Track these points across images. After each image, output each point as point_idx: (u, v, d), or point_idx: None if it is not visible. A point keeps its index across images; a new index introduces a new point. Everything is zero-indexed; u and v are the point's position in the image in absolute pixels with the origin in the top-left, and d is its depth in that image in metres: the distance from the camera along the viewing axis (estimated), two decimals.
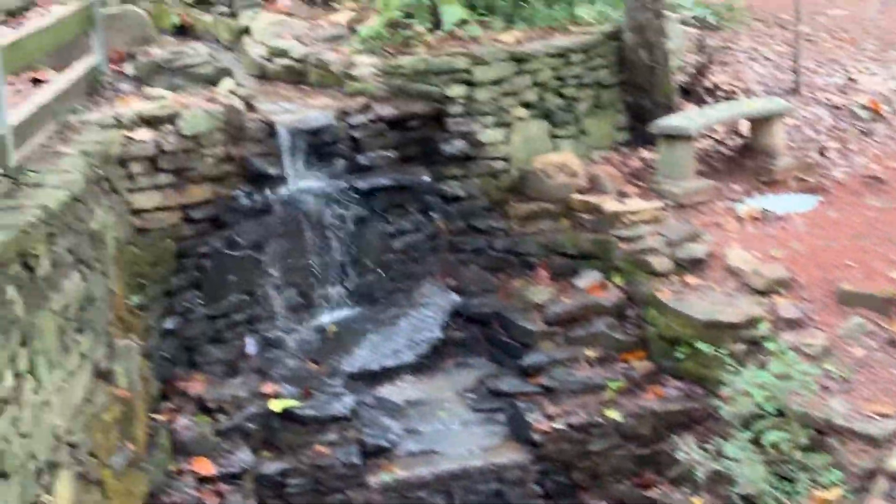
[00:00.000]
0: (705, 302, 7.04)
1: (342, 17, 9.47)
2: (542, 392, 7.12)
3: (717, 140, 9.22)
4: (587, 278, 7.79)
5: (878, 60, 10.89)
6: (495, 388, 7.30)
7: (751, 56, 10.61)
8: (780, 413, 5.85)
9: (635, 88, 9.09)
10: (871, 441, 5.66)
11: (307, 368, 7.36)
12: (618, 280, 7.66)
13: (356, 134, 7.97)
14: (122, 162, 6.83)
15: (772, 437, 5.79)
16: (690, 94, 9.55)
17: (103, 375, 5.72)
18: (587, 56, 8.87)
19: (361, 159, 7.98)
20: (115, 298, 6.25)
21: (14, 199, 4.98)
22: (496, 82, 8.33)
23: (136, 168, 6.93)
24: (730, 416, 6.02)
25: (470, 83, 8.24)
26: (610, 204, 7.99)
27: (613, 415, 6.77)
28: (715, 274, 7.37)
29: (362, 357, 7.54)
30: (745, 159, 8.88)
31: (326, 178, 7.83)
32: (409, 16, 8.95)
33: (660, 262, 7.48)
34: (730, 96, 9.57)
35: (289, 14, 9.77)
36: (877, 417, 5.77)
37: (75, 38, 7.60)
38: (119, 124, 6.96)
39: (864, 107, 9.66)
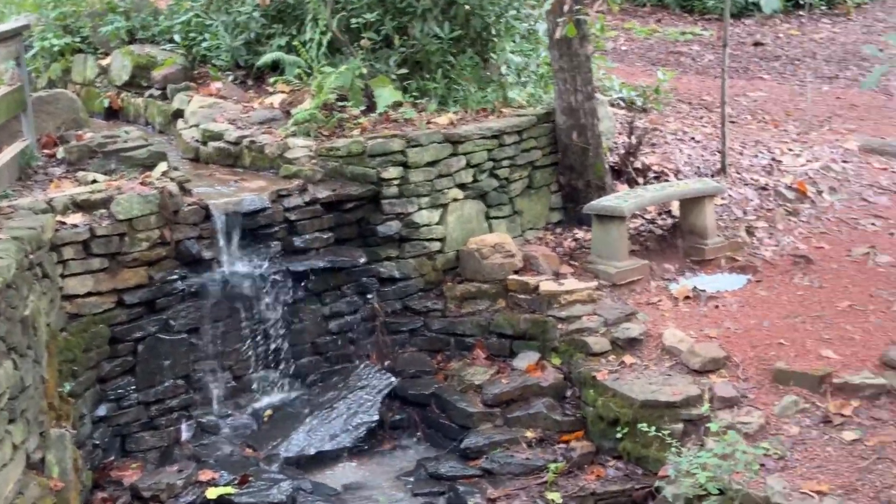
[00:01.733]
0: (643, 381, 7.08)
1: (276, 99, 9.48)
2: (483, 475, 7.06)
3: (648, 220, 9.35)
4: (525, 359, 7.80)
5: (801, 142, 11.17)
6: (435, 471, 7.22)
7: (678, 137, 10.82)
8: (722, 492, 5.87)
9: (568, 169, 9.22)
10: None
11: (244, 454, 7.25)
12: (556, 360, 7.68)
13: (292, 216, 7.95)
14: (55, 247, 6.73)
15: None
16: (622, 174, 9.70)
17: (35, 466, 5.59)
18: (520, 138, 9.00)
19: (297, 241, 7.95)
20: (46, 386, 6.12)
21: None
22: (431, 164, 8.39)
23: (68, 253, 6.83)
24: (672, 497, 6.02)
25: (405, 165, 8.29)
26: (546, 284, 8.05)
27: (554, 497, 6.72)
28: (651, 353, 7.42)
29: (299, 442, 7.44)
30: (676, 239, 9.00)
31: (262, 261, 7.76)
32: (343, 98, 9.00)
33: (597, 342, 7.53)
34: (660, 177, 9.74)
35: (221, 97, 9.76)
36: (813, 495, 5.81)
37: (5, 122, 7.51)
38: (51, 209, 6.87)
39: (789, 187, 9.87)
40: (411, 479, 7.28)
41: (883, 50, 3.85)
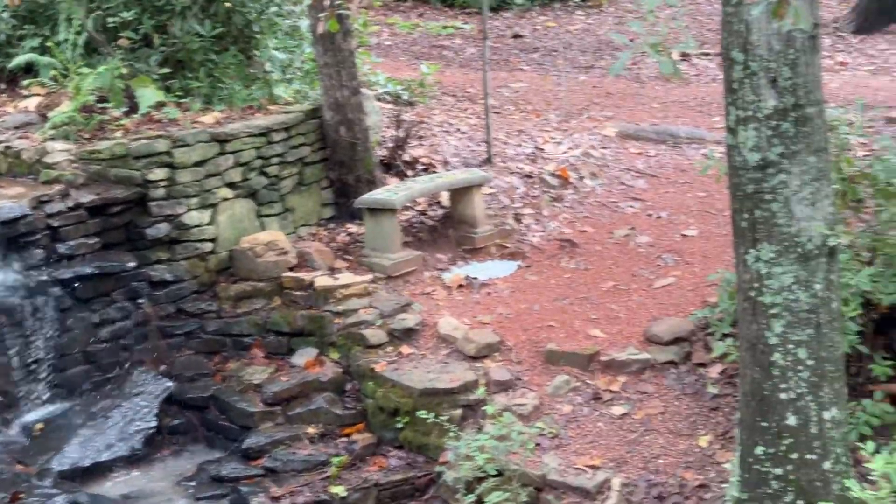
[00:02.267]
0: (421, 370, 7.20)
1: (31, 102, 9.12)
2: (266, 474, 7.02)
3: (420, 212, 9.49)
4: (303, 355, 7.80)
5: (562, 130, 11.55)
6: (217, 474, 7.14)
7: (445, 129, 11.02)
8: (500, 473, 6.04)
9: (338, 164, 9.26)
10: (585, 493, 5.93)
11: (14, 471, 6.94)
12: (334, 355, 7.71)
13: (54, 222, 7.66)
14: None
15: (493, 498, 5.95)
16: (391, 168, 9.80)
17: None
18: (289, 134, 8.96)
19: (61, 248, 7.67)
20: None
21: None
22: (199, 164, 8.25)
23: None
24: (453, 481, 6.15)
25: (171, 166, 8.12)
26: (321, 280, 8.06)
27: (338, 491, 6.76)
28: (428, 342, 7.55)
29: (73, 454, 7.20)
30: (447, 229, 9.18)
31: (24, 271, 7.47)
32: (103, 100, 8.75)
33: (374, 335, 7.60)
34: (429, 169, 9.89)
35: None
36: (587, 470, 6.06)
37: None
38: None
39: (553, 174, 10.20)
40: (193, 483, 7.17)
41: (634, 41, 4.05)
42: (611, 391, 6.78)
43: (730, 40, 4.56)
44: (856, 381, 6.12)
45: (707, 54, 14.99)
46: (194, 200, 8.23)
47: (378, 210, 8.51)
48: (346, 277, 8.12)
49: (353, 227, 9.09)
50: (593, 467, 6.09)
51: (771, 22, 4.37)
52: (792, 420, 4.87)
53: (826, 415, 4.89)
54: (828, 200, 4.73)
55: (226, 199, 8.47)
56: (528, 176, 10.17)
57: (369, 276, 8.22)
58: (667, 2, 3.33)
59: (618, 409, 6.60)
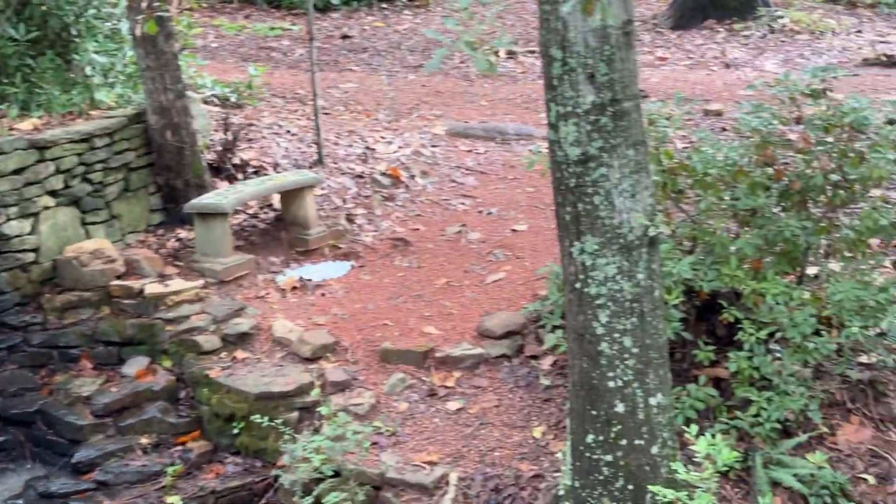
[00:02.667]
0: (256, 375, 7.13)
1: None
2: (98, 488, 6.86)
3: (251, 215, 9.40)
4: (134, 364, 7.63)
5: (392, 129, 11.59)
6: (45, 490, 6.93)
7: (275, 132, 10.93)
8: (338, 474, 6.02)
9: (166, 169, 9.08)
10: (423, 489, 5.96)
11: None
12: (167, 363, 7.57)
13: None
14: None
15: (331, 498, 5.92)
16: (221, 171, 9.67)
17: None
18: (112, 140, 8.75)
19: None
20: None
21: None
22: (17, 172, 7.99)
23: None
24: (290, 484, 6.10)
25: None
26: (151, 287, 7.91)
27: (174, 500, 6.63)
28: (263, 346, 7.48)
29: None
30: (279, 231, 9.11)
31: None
32: None
33: (207, 341, 7.49)
34: (259, 171, 9.80)
35: None
36: (425, 466, 6.10)
37: None
38: None
39: (384, 174, 10.23)
40: (20, 501, 6.94)
41: (460, 40, 4.08)
42: (446, 387, 6.84)
43: (548, 38, 4.64)
44: (681, 367, 6.34)
45: (533, 52, 15.25)
46: (13, 210, 7.96)
47: (208, 214, 8.38)
48: (176, 284, 7.99)
49: (183, 233, 8.94)
50: (431, 463, 6.14)
51: (586, 19, 4.47)
52: (620, 407, 5.00)
53: (652, 401, 5.03)
54: (647, 192, 4.87)
55: (47, 208, 8.22)
56: (360, 176, 10.18)
57: (201, 282, 8.10)
58: (480, 1, 3.37)
59: (453, 405, 6.66)
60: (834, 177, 6.29)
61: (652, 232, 4.84)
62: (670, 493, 4.44)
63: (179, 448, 7.14)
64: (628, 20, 4.61)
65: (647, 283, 4.92)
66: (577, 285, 4.94)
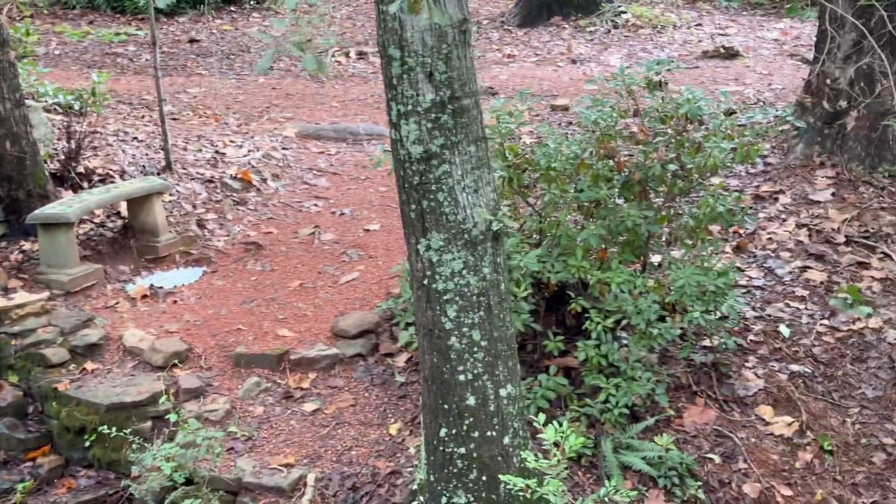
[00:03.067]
0: (107, 385, 6.99)
1: None
2: None
3: (98, 224, 9.20)
4: None
5: (242, 133, 11.50)
6: None
7: (121, 139, 10.73)
8: (191, 481, 5.97)
9: (6, 180, 8.82)
10: (280, 492, 5.96)
11: None
12: (13, 378, 7.36)
13: None
14: None
15: None
16: (65, 181, 9.45)
17: None
18: None
19: None
20: None
21: None
22: None
23: None
24: (142, 494, 6.02)
25: None
26: None
27: None
28: (114, 357, 7.35)
29: None
30: (128, 240, 8.95)
31: None
32: None
33: (55, 353, 7.32)
34: (106, 179, 9.61)
35: None
36: (282, 469, 6.09)
37: None
38: None
39: (235, 178, 10.14)
40: None
41: (288, 41, 4.06)
42: (302, 389, 6.83)
43: (386, 37, 4.68)
44: (532, 358, 6.47)
45: None
46: None
47: (52, 225, 8.19)
48: (21, 297, 7.78)
49: (27, 245, 8.70)
50: (288, 465, 6.13)
51: (421, 18, 4.53)
52: (471, 400, 5.07)
53: (502, 392, 5.12)
54: (490, 187, 4.95)
55: None
56: (210, 181, 10.07)
57: (46, 294, 7.91)
58: (308, 1, 3.37)
59: (309, 406, 6.66)
60: (672, 167, 6.49)
61: (496, 226, 4.92)
62: (520, 482, 4.53)
63: (29, 464, 6.95)
64: (464, 19, 4.68)
65: (492, 276, 5.00)
66: (425, 282, 4.99)
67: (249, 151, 10.82)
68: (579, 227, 6.47)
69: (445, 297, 4.96)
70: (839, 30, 8.62)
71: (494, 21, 17.46)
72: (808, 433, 6.29)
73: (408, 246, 5.06)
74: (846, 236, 8.07)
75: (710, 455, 6.06)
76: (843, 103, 8.90)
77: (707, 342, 6.80)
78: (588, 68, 14.14)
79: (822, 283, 7.60)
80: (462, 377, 5.05)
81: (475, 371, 5.04)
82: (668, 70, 6.75)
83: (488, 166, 4.95)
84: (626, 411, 6.03)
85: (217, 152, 10.70)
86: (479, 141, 4.88)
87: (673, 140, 6.53)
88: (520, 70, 14.27)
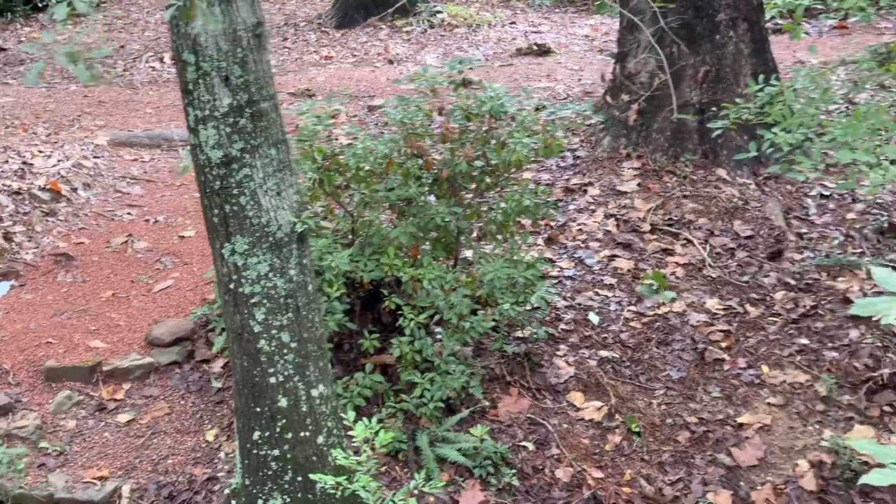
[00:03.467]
0: None
1: None
2: None
3: None
4: None
5: (51, 143, 11.19)
6: None
7: None
8: (1, 501, 5.82)
9: None
10: None
11: None
12: None
13: None
14: None
15: None
16: None
17: None
18: None
19: None
20: None
21: None
22: None
23: None
24: None
25: None
26: None
27: None
28: None
29: None
30: None
31: None
32: None
33: None
34: None
35: None
36: (96, 482, 5.98)
37: None
38: None
39: (43, 188, 9.87)
40: None
41: (58, 53, 3.95)
42: (116, 400, 6.71)
43: (179, 42, 4.65)
44: (349, 357, 6.51)
45: None
46: None
47: None
48: None
49: None
50: (102, 478, 6.02)
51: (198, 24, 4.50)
52: (283, 402, 5.09)
53: (314, 392, 5.15)
54: (292, 189, 4.97)
55: None
56: (17, 192, 9.76)
57: None
58: (77, 8, 3.33)
59: (124, 417, 6.55)
60: (479, 163, 6.62)
61: (300, 228, 4.95)
62: (332, 480, 4.57)
63: None
64: (258, 22, 4.69)
65: (299, 278, 5.03)
66: (232, 286, 4.98)
67: (59, 161, 10.53)
68: (393, 226, 6.54)
69: (253, 301, 4.97)
70: (637, 26, 8.94)
71: (312, 23, 17.44)
72: (617, 416, 6.52)
73: (213, 251, 5.05)
74: (651, 224, 8.38)
75: (524, 443, 6.22)
76: (645, 96, 9.24)
77: (520, 333, 6.97)
78: (405, 68, 14.24)
79: (629, 270, 7.87)
80: (273, 379, 5.06)
81: (286, 373, 5.07)
82: (471, 68, 6.88)
83: (290, 169, 4.97)
84: (442, 405, 6.13)
85: (24, 163, 10.38)
86: (280, 143, 4.90)
87: (479, 137, 6.66)
88: (337, 71, 14.28)
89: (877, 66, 7.04)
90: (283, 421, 5.11)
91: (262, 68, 4.77)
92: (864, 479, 2.71)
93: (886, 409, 6.55)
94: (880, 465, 2.67)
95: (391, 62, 14.89)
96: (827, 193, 8.93)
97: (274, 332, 5.01)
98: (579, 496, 5.96)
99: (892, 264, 7.69)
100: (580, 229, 8.38)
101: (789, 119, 6.24)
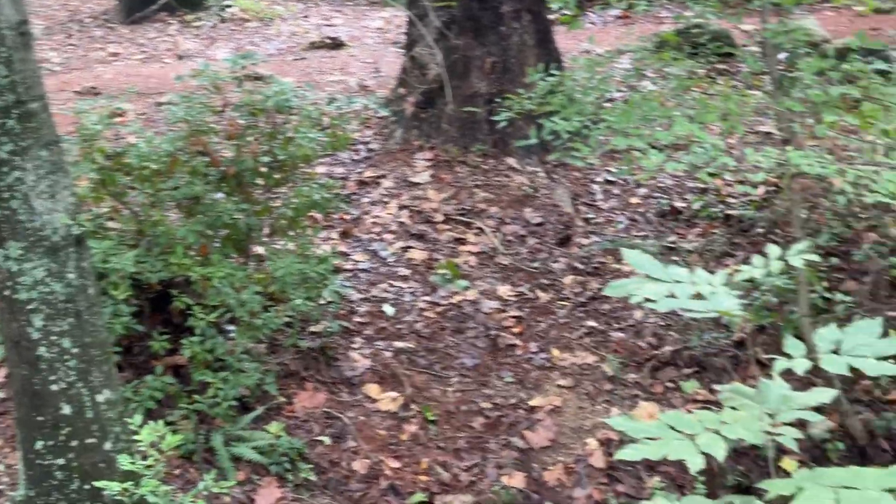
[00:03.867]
0: None
1: None
2: None
3: None
4: None
5: None
6: None
7: None
8: None
9: None
10: None
11: None
12: None
13: None
14: None
15: None
16: None
17: None
18: None
19: None
20: None
21: None
22: None
23: None
24: None
25: None
26: None
27: None
28: None
29: None
30: None
31: None
32: None
33: None
34: None
35: None
36: None
37: None
38: None
39: None
40: None
41: None
42: None
43: None
44: (139, 360, 6.38)
45: None
46: None
47: None
48: None
49: None
50: None
51: None
52: (67, 409, 4.95)
53: (100, 398, 5.03)
54: (67, 191, 4.84)
55: None
56: None
57: None
58: None
59: None
60: (266, 159, 6.59)
61: (76, 231, 4.83)
62: (117, 486, 4.48)
63: None
64: (22, 20, 4.54)
65: (79, 282, 4.90)
66: (7, 293, 4.82)
67: None
68: (181, 225, 6.44)
69: (30, 307, 4.82)
70: (425, 17, 9.06)
71: (97, 19, 16.95)
72: (413, 406, 6.60)
73: None
74: (445, 215, 8.51)
75: (320, 437, 6.24)
76: (422, 89, 9.38)
77: (314, 328, 6.97)
78: (196, 64, 13.96)
79: (423, 261, 7.97)
80: (55, 387, 4.92)
81: (68, 379, 4.93)
82: (254, 63, 6.84)
83: (64, 170, 4.84)
84: (236, 403, 6.08)
85: None
86: (52, 145, 4.76)
87: (265, 133, 6.63)
88: (125, 68, 13.92)
89: (649, 55, 7.33)
90: (68, 429, 4.97)
91: (30, 67, 4.62)
92: (618, 455, 2.83)
93: (669, 384, 6.85)
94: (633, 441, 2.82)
95: (181, 58, 14.62)
96: (612, 179, 9.23)
97: (54, 338, 4.86)
98: (377, 487, 6.02)
99: (671, 245, 8.04)
100: (374, 222, 8.44)
101: (568, 108, 6.44)
